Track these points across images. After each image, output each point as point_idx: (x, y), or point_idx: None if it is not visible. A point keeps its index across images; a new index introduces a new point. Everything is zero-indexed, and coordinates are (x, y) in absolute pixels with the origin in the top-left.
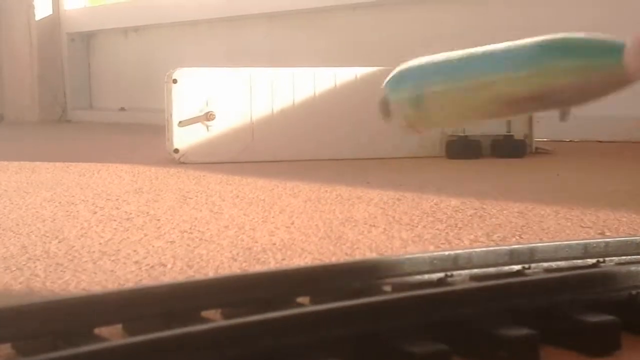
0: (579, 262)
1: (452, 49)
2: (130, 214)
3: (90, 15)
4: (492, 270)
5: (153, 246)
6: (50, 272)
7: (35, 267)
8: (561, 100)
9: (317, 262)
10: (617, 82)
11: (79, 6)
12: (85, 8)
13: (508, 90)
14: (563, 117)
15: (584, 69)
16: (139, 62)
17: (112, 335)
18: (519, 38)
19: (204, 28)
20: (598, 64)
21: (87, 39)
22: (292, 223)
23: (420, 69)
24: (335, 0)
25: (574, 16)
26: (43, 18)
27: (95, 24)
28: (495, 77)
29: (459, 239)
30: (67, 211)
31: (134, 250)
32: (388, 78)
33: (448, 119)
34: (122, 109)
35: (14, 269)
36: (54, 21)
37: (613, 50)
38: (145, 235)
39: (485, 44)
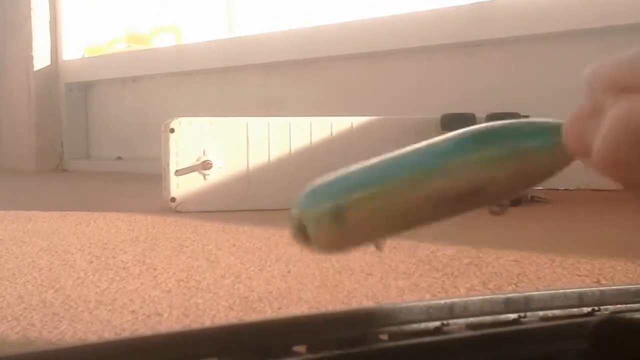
0: (575, 310)
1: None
2: (127, 263)
3: (89, 65)
4: (488, 318)
5: (149, 295)
6: (46, 321)
7: (32, 316)
8: (500, 191)
9: (313, 311)
10: (557, 163)
11: (77, 57)
12: (84, 59)
13: (438, 186)
14: (500, 211)
15: (517, 155)
16: (137, 112)
17: None
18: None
19: (200, 78)
20: (532, 147)
21: (85, 89)
22: (289, 271)
23: (338, 179)
24: (330, 51)
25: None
26: (41, 68)
27: (93, 74)
28: (423, 174)
29: (455, 288)
30: (64, 260)
31: (130, 300)
32: (300, 196)
33: (376, 230)
34: (119, 158)
35: (10, 318)
36: (52, 71)
37: (548, 131)
38: (142, 284)
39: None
